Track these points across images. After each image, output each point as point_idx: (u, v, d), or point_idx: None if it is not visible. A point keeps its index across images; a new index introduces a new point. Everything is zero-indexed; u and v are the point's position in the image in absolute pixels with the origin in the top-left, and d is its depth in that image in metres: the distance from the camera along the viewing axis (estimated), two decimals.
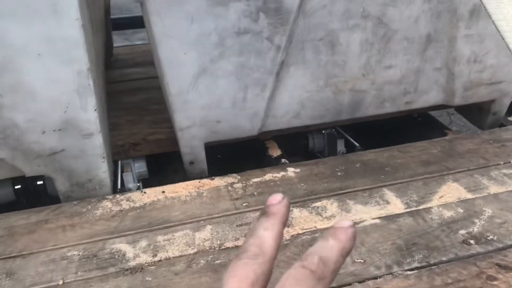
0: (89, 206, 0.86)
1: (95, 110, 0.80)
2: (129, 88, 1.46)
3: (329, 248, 0.30)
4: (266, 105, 0.95)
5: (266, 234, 0.32)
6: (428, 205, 0.82)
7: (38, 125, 0.78)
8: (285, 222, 0.33)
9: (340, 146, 1.25)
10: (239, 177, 0.94)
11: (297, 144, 1.34)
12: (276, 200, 0.34)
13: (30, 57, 0.72)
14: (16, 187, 1.02)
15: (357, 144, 1.20)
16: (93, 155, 0.85)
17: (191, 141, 0.96)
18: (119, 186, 1.02)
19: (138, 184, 1.16)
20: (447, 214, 0.80)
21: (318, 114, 1.01)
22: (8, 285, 0.69)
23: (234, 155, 1.26)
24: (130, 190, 1.08)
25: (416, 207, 0.82)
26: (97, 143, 0.83)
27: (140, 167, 1.15)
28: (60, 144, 0.81)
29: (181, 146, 0.97)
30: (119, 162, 1.11)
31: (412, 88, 1.03)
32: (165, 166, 1.29)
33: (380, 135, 1.37)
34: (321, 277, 0.27)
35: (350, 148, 1.24)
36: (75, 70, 0.75)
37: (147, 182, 1.21)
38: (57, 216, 0.84)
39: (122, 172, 1.09)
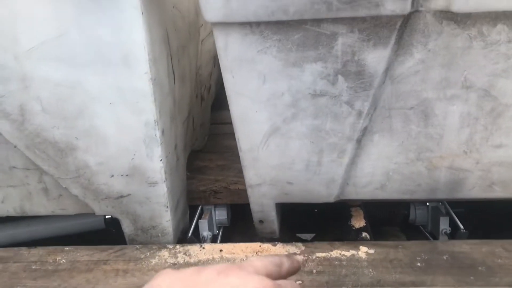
0: (148, 253, 0.86)
1: (161, 160, 0.80)
2: (233, 131, 1.47)
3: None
4: (344, 172, 0.86)
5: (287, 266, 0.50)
6: None
7: (107, 168, 0.81)
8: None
9: (444, 224, 1.09)
10: (303, 247, 0.86)
11: (397, 213, 1.21)
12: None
13: (103, 105, 0.75)
14: (106, 217, 1.08)
15: (461, 227, 1.03)
16: (157, 203, 0.85)
17: (261, 199, 0.91)
18: (189, 234, 1.01)
19: (217, 232, 1.15)
20: None
21: (408, 189, 0.89)
22: None
23: (318, 214, 1.18)
24: (203, 238, 1.07)
25: None
26: (161, 192, 0.84)
27: (220, 214, 1.14)
28: (126, 188, 0.83)
29: (251, 203, 0.93)
30: (199, 207, 1.11)
31: None
32: (250, 215, 1.26)
33: (496, 219, 1.17)
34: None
35: (454, 228, 1.07)
36: (143, 121, 0.76)
37: (227, 229, 1.20)
38: (117, 258, 0.85)
39: (199, 218, 1.09)
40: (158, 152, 0.79)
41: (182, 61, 0.92)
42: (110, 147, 0.79)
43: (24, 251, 0.90)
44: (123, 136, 0.78)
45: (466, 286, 0.74)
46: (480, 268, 0.78)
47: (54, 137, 0.79)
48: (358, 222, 1.00)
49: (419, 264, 0.80)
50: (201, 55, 1.11)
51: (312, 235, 1.35)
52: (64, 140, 0.79)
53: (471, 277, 0.76)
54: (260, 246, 0.87)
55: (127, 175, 0.82)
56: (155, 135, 0.78)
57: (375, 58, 0.73)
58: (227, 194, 1.10)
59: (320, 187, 0.89)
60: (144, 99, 0.74)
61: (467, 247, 0.84)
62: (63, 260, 0.86)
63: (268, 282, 0.38)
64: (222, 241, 1.18)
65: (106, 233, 1.17)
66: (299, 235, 1.39)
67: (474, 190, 0.88)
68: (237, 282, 0.37)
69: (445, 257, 0.81)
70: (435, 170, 0.86)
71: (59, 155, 0.80)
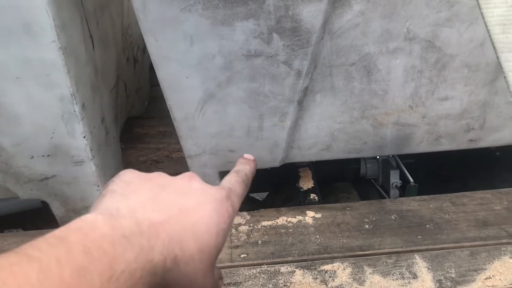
0: None
1: (84, 137, 0.72)
2: None
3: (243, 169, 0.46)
4: (288, 135, 0.81)
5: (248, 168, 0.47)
6: (467, 287, 0.64)
7: (26, 149, 0.73)
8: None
9: (394, 178, 1.07)
10: (248, 217, 0.82)
11: (347, 168, 1.18)
12: (250, 157, 0.49)
13: (8, 80, 0.66)
14: None
15: (411, 180, 1.02)
16: (86, 182, 0.78)
17: (203, 170, 0.86)
18: None
19: None
20: None
21: (354, 148, 0.85)
22: None
23: (270, 177, 1.14)
24: None
25: None
26: (89, 171, 0.76)
27: None
28: (50, 169, 0.76)
29: None
30: None
31: (477, 125, 0.82)
32: None
33: (447, 169, 1.16)
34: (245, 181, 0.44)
35: (405, 182, 1.06)
36: (57, 95, 0.68)
37: None
38: None
39: None
40: (79, 128, 0.71)
41: (102, 23, 0.82)
42: (24, 126, 0.70)
43: None
44: (37, 114, 0.69)
45: (414, 246, 0.72)
46: (428, 226, 0.76)
47: None
48: (306, 183, 0.96)
49: (367, 226, 0.77)
50: (129, 13, 1.00)
51: (265, 194, 1.32)
52: None
53: (419, 237, 0.74)
54: None
55: (48, 155, 0.74)
56: (74, 110, 0.69)
57: (311, 11, 0.66)
58: (170, 163, 1.04)
59: (264, 153, 0.84)
60: (55, 71, 0.65)
61: (415, 204, 0.82)
62: None
63: (224, 192, 0.39)
64: None
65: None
66: (252, 195, 1.36)
67: (421, 144, 0.85)
68: (199, 186, 0.38)
69: (393, 217, 0.79)
70: (381, 127, 0.82)
71: None
